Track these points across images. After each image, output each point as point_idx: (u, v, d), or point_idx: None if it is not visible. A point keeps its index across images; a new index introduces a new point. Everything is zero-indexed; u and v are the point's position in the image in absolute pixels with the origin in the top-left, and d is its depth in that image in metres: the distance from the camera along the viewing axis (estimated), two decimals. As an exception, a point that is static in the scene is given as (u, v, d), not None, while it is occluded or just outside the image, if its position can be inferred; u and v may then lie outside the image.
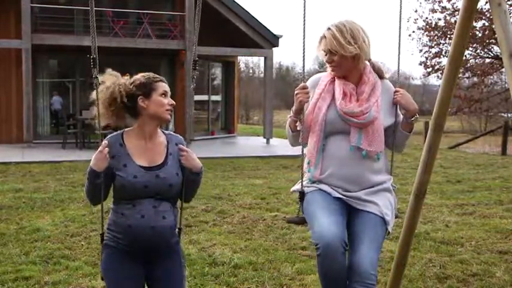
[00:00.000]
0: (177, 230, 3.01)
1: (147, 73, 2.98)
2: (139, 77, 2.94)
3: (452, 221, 6.91)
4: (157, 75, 2.97)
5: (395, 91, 3.27)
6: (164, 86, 2.94)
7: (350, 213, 3.15)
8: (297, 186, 3.33)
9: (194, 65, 3.14)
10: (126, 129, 2.97)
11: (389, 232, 3.19)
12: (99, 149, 2.80)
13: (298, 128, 3.30)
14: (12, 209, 7.35)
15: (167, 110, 2.92)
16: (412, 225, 3.93)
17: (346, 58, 3.12)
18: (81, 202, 7.76)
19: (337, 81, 3.22)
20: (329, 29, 3.15)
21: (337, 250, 2.91)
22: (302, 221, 3.28)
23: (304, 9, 3.17)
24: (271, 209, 7.61)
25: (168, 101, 2.92)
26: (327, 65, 3.26)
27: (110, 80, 2.94)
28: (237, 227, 6.57)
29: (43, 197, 8.19)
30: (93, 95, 2.93)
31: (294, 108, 3.22)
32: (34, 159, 12.75)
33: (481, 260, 5.30)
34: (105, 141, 2.84)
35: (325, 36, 3.16)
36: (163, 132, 3.01)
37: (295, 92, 3.17)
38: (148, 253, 2.90)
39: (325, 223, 2.99)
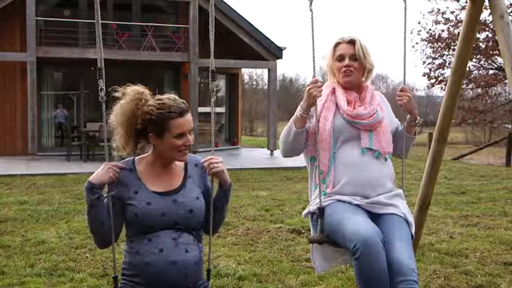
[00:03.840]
0: (205, 271, 2.63)
1: (167, 99, 2.47)
2: (153, 108, 2.44)
3: (456, 232, 6.89)
4: (178, 106, 2.46)
5: (402, 89, 3.32)
6: (181, 125, 2.44)
7: (372, 219, 3.06)
8: (312, 207, 3.24)
9: (213, 76, 2.80)
10: (137, 157, 2.58)
11: (412, 236, 3.13)
12: (106, 164, 2.47)
13: (306, 125, 3.19)
14: (17, 221, 7.36)
15: (181, 151, 2.48)
16: (417, 236, 3.94)
17: (362, 68, 3.28)
18: (85, 214, 7.75)
19: (339, 91, 3.29)
20: (353, 38, 3.27)
21: (377, 245, 2.78)
22: (325, 240, 3.15)
23: (312, 19, 3.21)
24: (275, 220, 7.60)
25: (183, 141, 2.47)
26: (338, 71, 3.30)
27: (132, 95, 2.48)
28: (241, 238, 6.57)
29: (48, 209, 8.20)
30: (111, 111, 2.51)
31: (304, 103, 3.11)
32: (39, 172, 12.77)
33: (485, 271, 5.28)
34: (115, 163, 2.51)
35: (352, 42, 3.25)
36: None
37: (308, 88, 3.08)
38: None
39: (359, 220, 2.91)
